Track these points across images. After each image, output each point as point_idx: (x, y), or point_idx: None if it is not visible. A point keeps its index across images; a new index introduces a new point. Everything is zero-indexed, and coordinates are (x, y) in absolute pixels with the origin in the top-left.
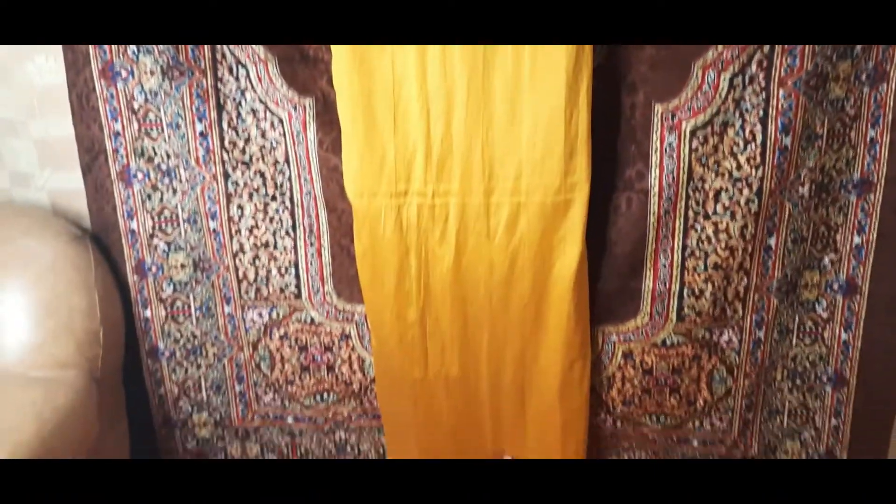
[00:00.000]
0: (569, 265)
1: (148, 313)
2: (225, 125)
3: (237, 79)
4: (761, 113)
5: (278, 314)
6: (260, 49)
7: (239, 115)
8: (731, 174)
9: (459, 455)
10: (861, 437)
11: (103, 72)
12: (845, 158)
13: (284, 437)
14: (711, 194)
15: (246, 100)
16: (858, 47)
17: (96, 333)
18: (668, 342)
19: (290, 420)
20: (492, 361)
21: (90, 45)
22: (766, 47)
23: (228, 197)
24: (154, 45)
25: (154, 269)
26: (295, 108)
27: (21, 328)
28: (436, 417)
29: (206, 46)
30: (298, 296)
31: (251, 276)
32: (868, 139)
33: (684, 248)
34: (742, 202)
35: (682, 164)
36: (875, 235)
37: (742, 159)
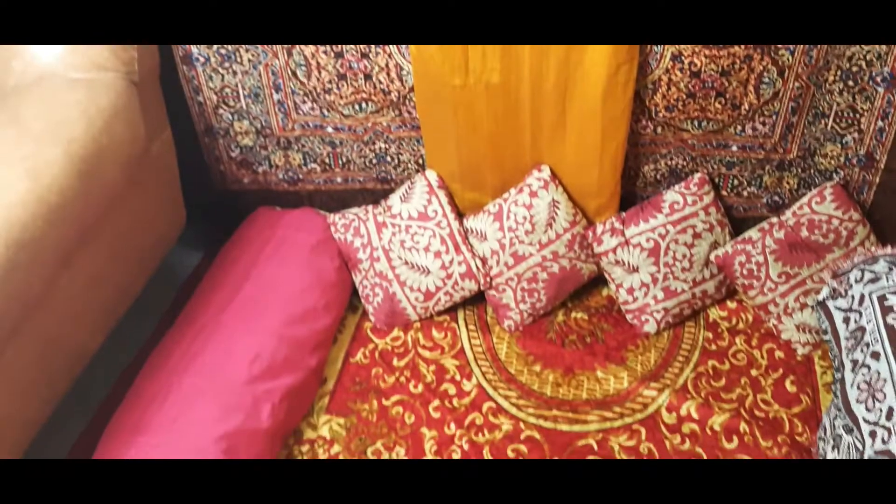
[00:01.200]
0: None
1: None
2: None
3: None
4: None
5: None
6: None
7: None
8: None
9: (498, 164)
10: None
11: None
12: None
13: (325, 147)
14: None
15: None
16: None
17: None
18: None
19: (329, 129)
20: (534, 67)
21: None
22: None
23: None
24: None
25: None
26: None
27: None
28: (475, 125)
29: None
30: None
31: None
32: None
33: None
34: None
35: None
36: None
37: None
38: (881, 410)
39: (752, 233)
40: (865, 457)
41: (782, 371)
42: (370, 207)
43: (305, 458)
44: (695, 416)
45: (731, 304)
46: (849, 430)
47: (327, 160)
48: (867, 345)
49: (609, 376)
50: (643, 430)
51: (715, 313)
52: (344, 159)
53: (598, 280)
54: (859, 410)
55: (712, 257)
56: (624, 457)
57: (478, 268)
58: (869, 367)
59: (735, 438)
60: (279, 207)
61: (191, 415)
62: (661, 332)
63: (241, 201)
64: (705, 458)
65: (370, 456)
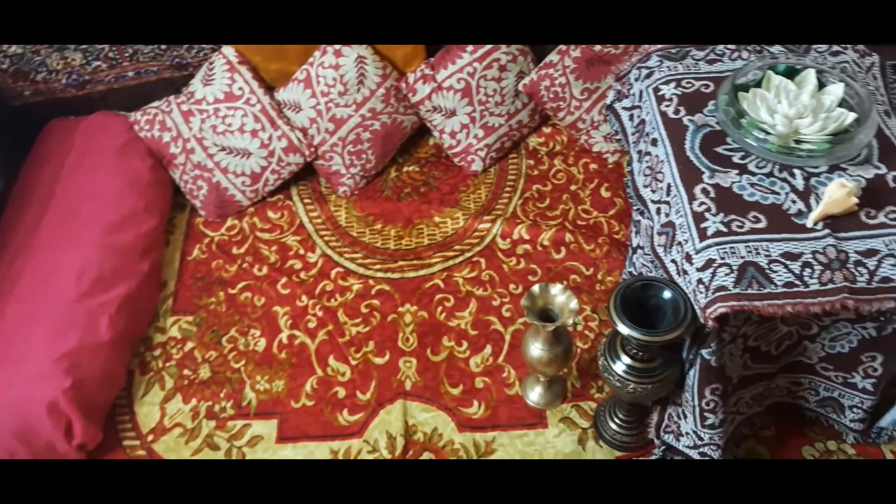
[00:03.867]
0: None
1: None
2: None
3: None
4: None
5: None
6: None
7: None
8: None
9: None
10: None
11: None
12: None
13: None
14: None
15: None
16: None
17: None
18: None
19: None
20: None
21: None
22: None
23: None
24: None
25: None
26: None
27: None
28: None
29: None
30: None
31: None
32: None
33: None
34: None
35: None
36: None
37: None
38: (662, 189)
39: (552, 56)
40: (655, 231)
41: (597, 181)
42: (172, 98)
43: (159, 361)
44: (526, 237)
45: (547, 130)
46: (641, 213)
47: (111, 55)
48: (647, 134)
49: (446, 219)
50: (482, 261)
51: (534, 141)
52: (130, 50)
53: (423, 130)
54: (646, 193)
55: (520, 87)
56: (468, 288)
57: (299, 140)
58: (650, 154)
59: (563, 249)
60: (73, 117)
61: (24, 342)
62: (488, 169)
63: (31, 117)
64: (539, 272)
65: (225, 343)
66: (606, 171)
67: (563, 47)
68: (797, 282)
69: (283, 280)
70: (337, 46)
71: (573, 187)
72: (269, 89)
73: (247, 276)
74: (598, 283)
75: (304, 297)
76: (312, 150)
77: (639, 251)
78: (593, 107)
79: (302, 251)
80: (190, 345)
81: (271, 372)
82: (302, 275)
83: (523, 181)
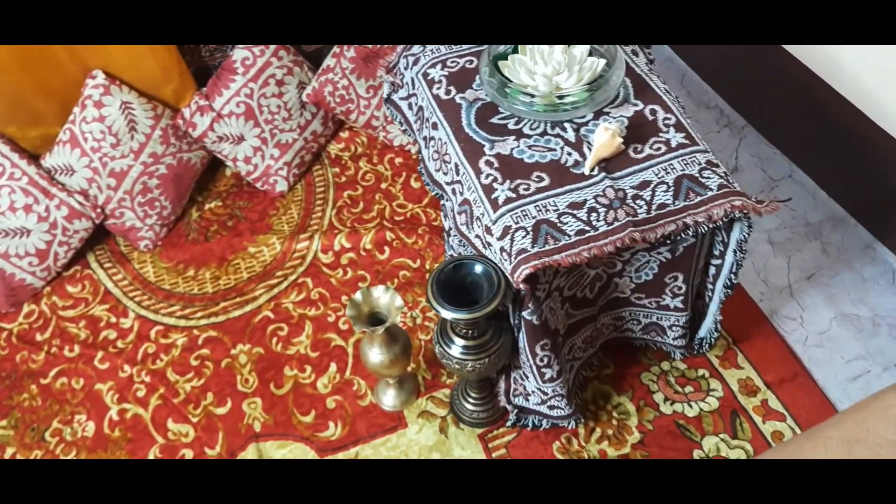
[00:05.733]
0: None
1: None
2: None
3: None
4: None
5: None
6: None
7: None
8: None
9: (42, 87)
10: None
11: None
12: None
13: None
14: None
15: None
16: None
17: None
18: None
19: None
20: None
21: None
22: None
23: None
24: None
25: None
26: None
27: None
28: None
29: None
30: None
31: None
32: None
33: None
34: None
35: None
36: None
37: None
38: (451, 169)
39: (329, 61)
40: (455, 211)
41: (405, 174)
42: None
43: None
44: (347, 245)
45: (344, 134)
46: (441, 197)
47: None
48: (427, 119)
49: (261, 247)
50: (309, 280)
51: (334, 148)
52: None
53: (217, 162)
54: (440, 177)
55: (304, 98)
56: (300, 311)
57: (81, 203)
58: (434, 138)
59: (386, 249)
60: None
61: None
62: (294, 186)
63: None
64: (368, 277)
65: (49, 438)
66: (412, 163)
67: (336, 49)
68: (587, 227)
69: (100, 354)
70: (97, 98)
71: (384, 185)
72: (34, 158)
73: (58, 361)
74: (428, 272)
75: (126, 367)
76: (99, 210)
77: (452, 233)
78: (382, 102)
79: (114, 319)
80: (10, 450)
81: (108, 454)
82: (119, 344)
83: (333, 191)
